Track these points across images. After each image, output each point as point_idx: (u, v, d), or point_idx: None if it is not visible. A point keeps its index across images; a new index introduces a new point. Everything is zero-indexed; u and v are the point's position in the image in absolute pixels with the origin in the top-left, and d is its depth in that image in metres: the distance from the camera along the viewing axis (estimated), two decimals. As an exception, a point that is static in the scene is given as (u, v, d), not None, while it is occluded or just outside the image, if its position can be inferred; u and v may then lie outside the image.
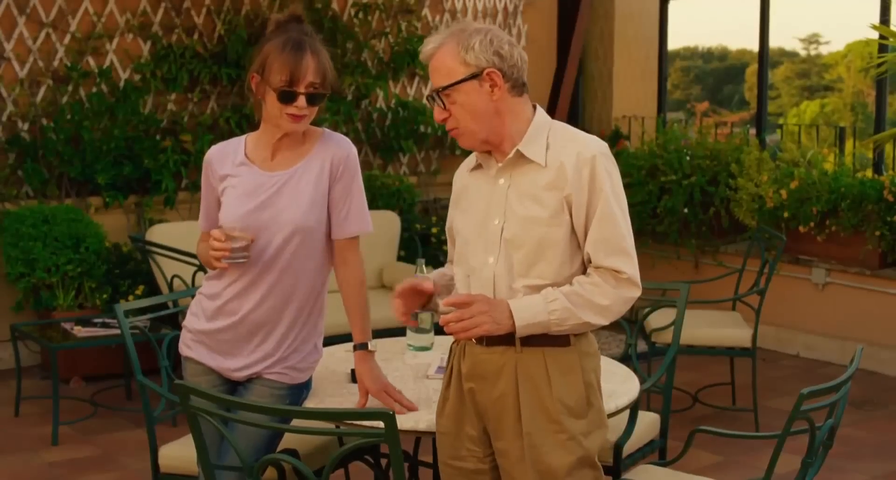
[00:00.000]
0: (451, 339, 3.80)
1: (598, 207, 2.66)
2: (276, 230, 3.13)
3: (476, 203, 2.79)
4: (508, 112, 2.70)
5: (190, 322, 3.29)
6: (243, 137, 3.29)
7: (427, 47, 2.71)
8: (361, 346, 3.17)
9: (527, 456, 2.66)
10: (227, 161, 3.23)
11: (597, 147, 2.69)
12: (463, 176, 2.89)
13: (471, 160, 2.87)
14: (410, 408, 3.05)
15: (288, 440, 3.36)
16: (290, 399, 3.20)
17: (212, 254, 3.06)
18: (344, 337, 3.44)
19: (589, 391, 2.72)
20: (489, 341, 2.70)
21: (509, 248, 2.69)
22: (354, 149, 3.23)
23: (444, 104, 2.69)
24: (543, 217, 2.66)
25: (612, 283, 2.64)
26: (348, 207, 3.18)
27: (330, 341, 3.61)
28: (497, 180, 2.75)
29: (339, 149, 3.19)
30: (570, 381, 2.68)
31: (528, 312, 2.62)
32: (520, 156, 2.70)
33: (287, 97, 3.06)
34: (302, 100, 3.06)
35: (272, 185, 3.15)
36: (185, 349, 3.30)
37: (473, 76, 2.65)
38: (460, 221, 2.84)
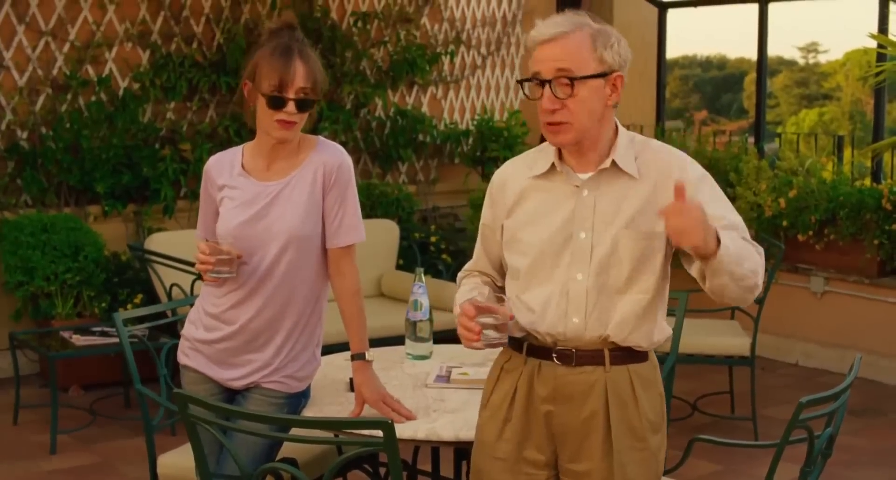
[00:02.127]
0: (449, 348, 3.80)
1: (713, 211, 2.52)
2: (271, 240, 3.13)
3: (549, 214, 2.62)
4: (607, 120, 2.61)
5: (188, 330, 3.29)
6: (241, 147, 3.29)
7: (554, 29, 2.53)
8: (359, 356, 3.16)
9: (616, 475, 2.60)
10: (224, 171, 3.23)
11: (693, 162, 2.63)
12: (520, 180, 2.69)
13: (531, 163, 2.69)
14: (409, 417, 3.05)
15: (287, 449, 3.36)
16: (288, 408, 3.19)
17: (197, 267, 3.08)
18: (343, 346, 3.44)
19: (663, 403, 2.70)
20: (578, 361, 2.61)
21: (603, 264, 2.58)
22: (348, 158, 3.21)
23: (557, 92, 2.52)
24: (642, 231, 2.57)
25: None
26: (341, 217, 3.17)
27: (329, 350, 3.60)
28: (581, 192, 2.59)
29: (332, 158, 3.17)
30: (651, 396, 2.65)
31: (725, 237, 2.43)
32: (612, 167, 2.59)
33: (276, 103, 3.05)
34: (291, 106, 3.05)
35: (267, 196, 3.15)
36: (183, 357, 3.30)
37: (603, 74, 2.54)
38: (527, 233, 2.64)
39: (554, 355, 2.62)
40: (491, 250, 2.80)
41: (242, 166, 3.22)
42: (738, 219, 2.60)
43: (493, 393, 2.71)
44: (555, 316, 2.61)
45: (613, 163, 2.59)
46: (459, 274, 2.91)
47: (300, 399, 3.24)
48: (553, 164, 2.63)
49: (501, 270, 2.81)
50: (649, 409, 2.64)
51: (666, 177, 2.56)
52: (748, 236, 2.59)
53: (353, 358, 3.18)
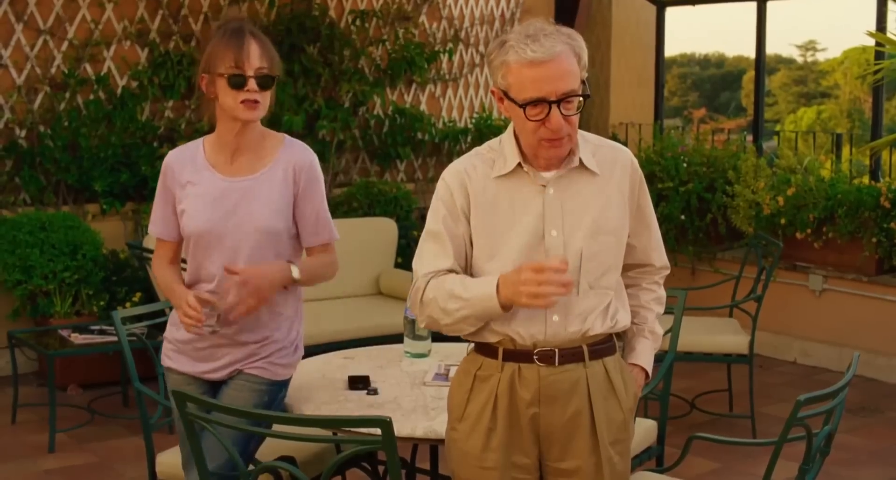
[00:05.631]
0: (447, 346, 3.80)
1: (648, 209, 2.79)
2: (243, 236, 3.13)
3: (519, 214, 2.60)
4: None
5: (170, 332, 3.29)
6: (200, 141, 3.28)
7: (553, 48, 2.47)
8: (292, 265, 3.16)
9: (605, 469, 2.64)
10: (187, 166, 3.21)
11: (629, 151, 2.75)
12: (482, 181, 2.64)
13: (489, 164, 2.65)
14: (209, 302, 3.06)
15: (285, 447, 3.36)
16: (268, 396, 3.19)
17: (183, 320, 3.07)
18: (339, 346, 3.44)
19: (633, 379, 2.78)
20: (560, 360, 2.61)
21: (577, 260, 2.59)
22: (316, 158, 3.25)
23: (567, 111, 2.51)
24: (608, 226, 2.64)
25: (661, 282, 2.90)
26: (315, 216, 3.21)
27: (325, 349, 3.61)
28: (547, 190, 2.61)
29: (303, 157, 3.20)
30: (627, 383, 2.72)
31: (650, 359, 2.85)
32: (578, 166, 2.62)
33: (237, 81, 3.08)
34: (253, 84, 3.08)
35: (236, 191, 3.15)
36: (166, 360, 3.30)
37: (584, 83, 2.55)
38: (499, 234, 2.61)
39: (535, 356, 2.61)
40: (459, 247, 2.65)
41: (206, 160, 3.21)
42: (655, 221, 2.85)
43: (468, 403, 2.66)
44: (535, 315, 2.60)
45: (580, 161, 2.62)
46: (424, 279, 2.63)
47: (281, 388, 3.24)
48: (519, 164, 2.62)
49: (466, 268, 2.70)
50: (627, 397, 2.70)
51: (616, 172, 2.68)
52: (661, 239, 2.86)
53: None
